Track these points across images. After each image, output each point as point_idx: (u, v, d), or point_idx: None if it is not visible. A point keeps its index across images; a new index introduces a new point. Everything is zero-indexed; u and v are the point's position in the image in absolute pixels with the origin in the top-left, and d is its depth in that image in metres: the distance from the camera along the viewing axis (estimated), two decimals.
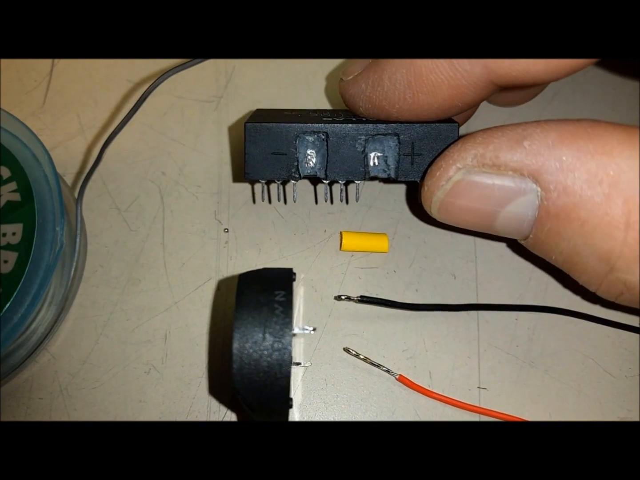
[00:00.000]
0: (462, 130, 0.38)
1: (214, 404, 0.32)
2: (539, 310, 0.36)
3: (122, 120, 0.30)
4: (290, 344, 0.26)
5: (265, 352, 0.26)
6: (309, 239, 0.36)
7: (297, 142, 0.32)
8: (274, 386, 0.26)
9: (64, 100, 0.40)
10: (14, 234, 0.29)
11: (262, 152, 0.32)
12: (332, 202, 0.37)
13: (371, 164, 0.33)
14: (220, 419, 0.32)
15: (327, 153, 0.32)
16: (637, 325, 0.35)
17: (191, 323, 0.34)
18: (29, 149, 0.31)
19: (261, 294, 0.27)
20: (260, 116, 0.33)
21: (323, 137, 0.32)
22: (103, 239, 0.35)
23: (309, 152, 0.32)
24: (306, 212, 0.37)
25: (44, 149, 0.31)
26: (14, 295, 0.28)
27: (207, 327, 0.34)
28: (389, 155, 0.33)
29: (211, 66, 0.40)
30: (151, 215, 0.36)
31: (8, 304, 0.28)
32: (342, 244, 0.35)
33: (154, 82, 0.30)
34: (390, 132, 0.32)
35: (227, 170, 0.38)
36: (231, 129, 0.39)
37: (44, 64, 0.41)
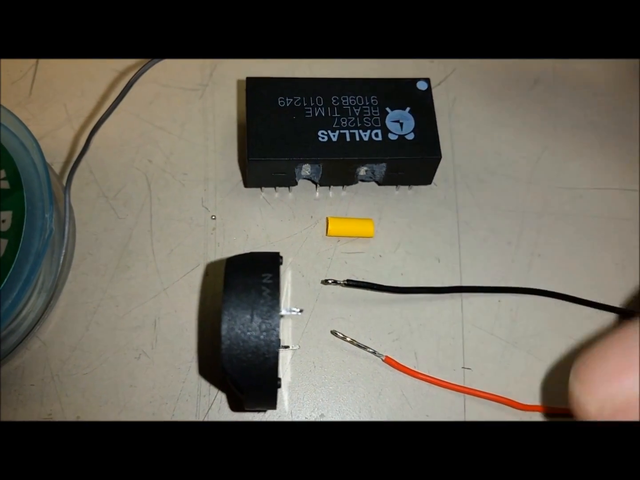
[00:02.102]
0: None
1: (204, 386, 0.33)
2: (522, 292, 0.36)
3: (107, 109, 0.31)
4: (278, 324, 0.27)
5: (254, 333, 0.26)
6: (295, 225, 0.37)
7: (295, 169, 0.35)
8: (262, 366, 0.27)
9: (51, 90, 0.40)
10: (3, 221, 0.29)
11: (263, 173, 0.35)
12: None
13: (360, 174, 0.36)
14: (210, 402, 0.33)
15: (322, 171, 0.35)
16: (617, 306, 0.36)
17: (180, 309, 0.34)
18: (17, 138, 0.31)
19: (249, 277, 0.28)
20: (261, 139, 0.34)
21: (319, 165, 0.35)
22: (91, 227, 0.35)
23: (305, 166, 0.35)
24: (292, 198, 0.37)
25: (32, 137, 0.31)
26: (4, 282, 0.28)
27: (196, 313, 0.34)
28: (376, 170, 0.36)
29: None
30: (139, 203, 0.37)
31: None
32: (329, 229, 0.36)
33: (139, 70, 0.30)
34: (380, 159, 0.35)
35: (213, 158, 0.38)
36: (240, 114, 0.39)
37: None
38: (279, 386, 0.27)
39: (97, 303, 0.34)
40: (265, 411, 0.32)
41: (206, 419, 0.32)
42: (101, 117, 0.31)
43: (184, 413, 0.32)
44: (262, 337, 0.27)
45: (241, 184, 0.38)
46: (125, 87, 0.30)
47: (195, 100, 0.40)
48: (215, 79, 0.40)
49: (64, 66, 0.40)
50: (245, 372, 0.27)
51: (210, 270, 0.35)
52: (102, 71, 0.40)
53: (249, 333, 0.27)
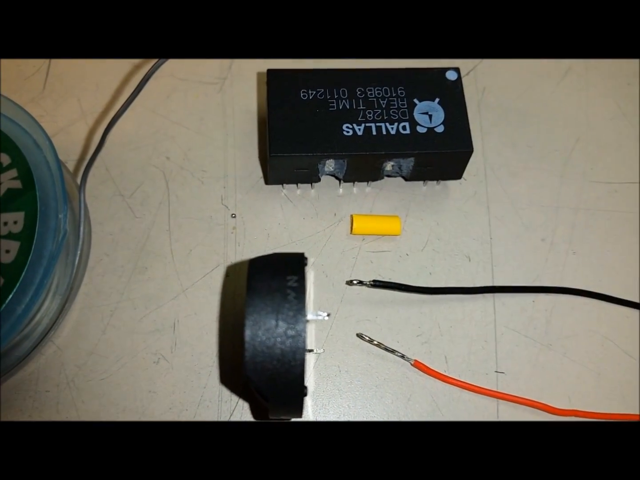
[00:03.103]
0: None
1: (226, 393, 0.31)
2: (557, 291, 0.35)
3: (123, 104, 0.29)
4: (304, 330, 0.25)
5: (279, 340, 0.25)
6: (318, 223, 0.35)
7: (319, 165, 0.33)
8: (288, 374, 0.25)
9: (64, 85, 0.38)
10: (15, 222, 0.28)
11: (285, 169, 0.34)
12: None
13: (386, 169, 0.34)
14: (232, 409, 0.31)
15: (346, 167, 0.34)
16: None
17: (200, 311, 0.33)
18: (29, 135, 0.30)
19: (273, 280, 0.26)
20: (283, 133, 0.33)
21: (343, 161, 0.33)
22: (107, 227, 0.34)
23: (328, 161, 0.33)
24: (315, 195, 0.36)
25: (44, 134, 0.30)
26: (16, 286, 0.27)
27: (217, 315, 0.33)
28: (403, 165, 0.34)
29: None
30: (156, 202, 0.35)
31: (11, 295, 0.27)
32: (353, 227, 0.34)
33: (155, 64, 0.29)
34: (408, 154, 0.33)
35: (233, 154, 0.37)
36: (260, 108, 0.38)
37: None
38: (306, 394, 0.26)
39: (114, 306, 0.33)
40: (289, 419, 0.31)
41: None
42: (116, 113, 0.30)
43: (204, 420, 0.31)
44: (287, 343, 0.25)
45: (262, 180, 0.36)
46: (141, 81, 0.29)
47: (214, 94, 0.38)
48: (235, 72, 0.39)
49: (78, 61, 0.39)
50: (270, 381, 0.25)
51: (231, 271, 0.34)
52: (117, 65, 0.39)
53: (273, 339, 0.25)
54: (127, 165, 0.36)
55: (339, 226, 0.35)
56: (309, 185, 0.36)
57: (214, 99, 0.38)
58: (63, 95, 0.38)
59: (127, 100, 0.29)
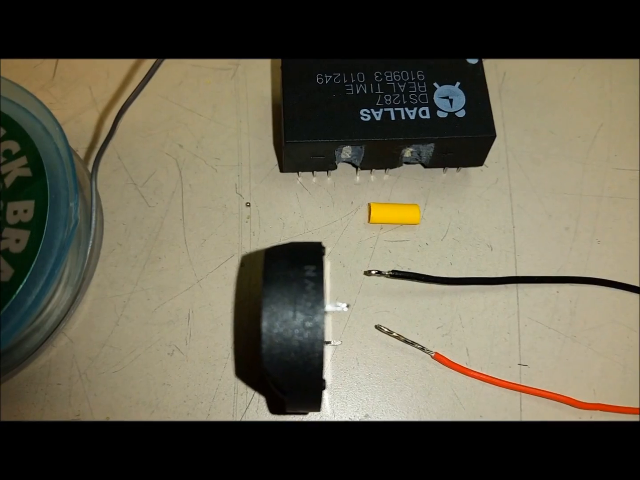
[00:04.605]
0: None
1: (241, 385, 0.31)
2: (581, 281, 0.34)
3: (134, 91, 0.29)
4: (323, 322, 0.24)
5: (297, 331, 0.24)
6: (335, 212, 0.34)
7: (335, 151, 0.32)
8: (306, 367, 0.24)
9: (75, 72, 0.38)
10: (25, 211, 0.27)
11: (301, 156, 0.33)
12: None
13: (405, 155, 0.33)
14: (247, 402, 0.31)
15: (364, 153, 0.33)
16: None
17: (215, 302, 0.32)
18: (39, 122, 0.29)
19: (290, 270, 0.25)
20: (298, 119, 0.32)
21: (361, 147, 0.32)
22: (120, 216, 0.34)
23: (345, 148, 0.32)
24: (331, 183, 0.35)
25: (54, 120, 0.29)
26: (27, 276, 0.26)
27: (232, 306, 0.32)
28: (423, 151, 0.33)
29: None
30: (169, 190, 0.34)
31: (21, 285, 0.26)
32: (371, 216, 0.33)
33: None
34: (428, 139, 0.32)
35: (247, 141, 0.36)
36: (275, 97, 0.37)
37: None
38: (324, 387, 0.25)
39: (127, 296, 0.32)
40: (307, 413, 0.30)
41: (244, 419, 0.30)
42: (127, 100, 0.29)
43: (220, 413, 0.30)
44: (305, 335, 0.24)
45: (277, 168, 0.35)
46: (152, 68, 0.28)
47: (227, 80, 0.37)
48: (247, 58, 0.38)
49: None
50: (288, 373, 0.24)
51: (246, 260, 0.33)
52: None
53: (291, 331, 0.24)
54: (140, 153, 0.35)
55: (356, 215, 0.34)
56: (325, 173, 0.35)
57: (227, 86, 0.37)
58: (73, 82, 0.37)
59: (137, 87, 0.28)
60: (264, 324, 0.24)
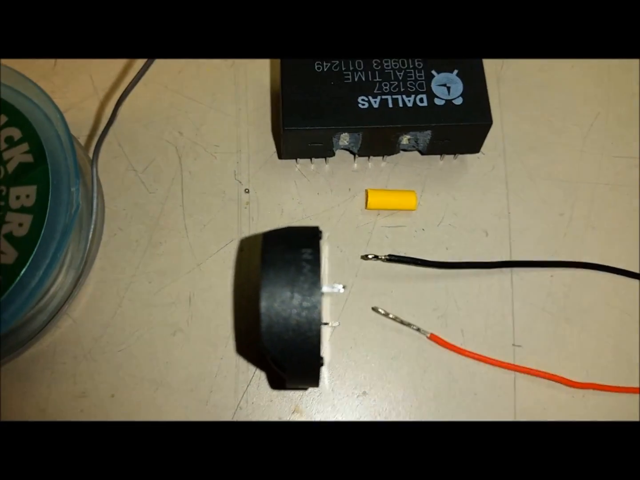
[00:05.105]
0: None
1: (242, 364, 0.32)
2: (575, 266, 0.34)
3: (133, 79, 0.29)
4: (319, 302, 0.25)
5: (295, 311, 0.25)
6: (332, 198, 0.35)
7: (333, 138, 0.33)
8: (304, 344, 0.25)
9: (76, 61, 0.38)
10: (27, 196, 0.28)
11: (299, 143, 0.33)
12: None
13: (402, 142, 0.34)
14: (249, 379, 0.31)
15: (361, 140, 0.33)
16: None
17: (215, 285, 0.33)
18: (40, 109, 0.30)
19: (287, 252, 0.26)
20: (296, 106, 0.32)
21: (358, 134, 0.33)
22: (121, 202, 0.34)
23: (343, 135, 0.33)
24: (329, 170, 0.36)
25: (55, 107, 0.29)
26: (30, 259, 0.27)
27: (232, 289, 0.33)
28: (420, 138, 0.34)
29: None
30: (169, 177, 0.35)
31: (25, 268, 0.27)
32: (368, 202, 0.34)
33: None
34: (425, 126, 0.32)
35: (246, 129, 0.36)
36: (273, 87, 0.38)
37: None
38: (322, 364, 0.26)
39: (129, 280, 0.33)
40: (306, 389, 0.31)
41: (245, 396, 0.31)
42: (127, 88, 0.29)
43: (222, 390, 0.31)
44: (303, 314, 0.25)
45: (275, 155, 0.36)
46: (148, 60, 0.28)
47: (226, 68, 0.38)
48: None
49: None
50: (287, 351, 0.25)
51: (245, 245, 0.34)
52: None
53: (289, 311, 0.25)
54: (140, 140, 0.36)
55: (353, 201, 0.35)
56: (323, 160, 0.35)
57: (227, 74, 0.38)
58: (74, 71, 0.38)
59: (136, 75, 0.29)
60: (263, 304, 0.25)
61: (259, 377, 0.31)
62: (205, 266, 0.33)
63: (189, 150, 0.36)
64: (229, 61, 0.38)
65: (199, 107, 0.37)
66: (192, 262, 0.33)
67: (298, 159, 0.35)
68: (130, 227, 0.34)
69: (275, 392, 0.31)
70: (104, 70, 0.38)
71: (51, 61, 0.38)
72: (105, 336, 0.32)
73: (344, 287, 0.26)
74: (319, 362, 0.25)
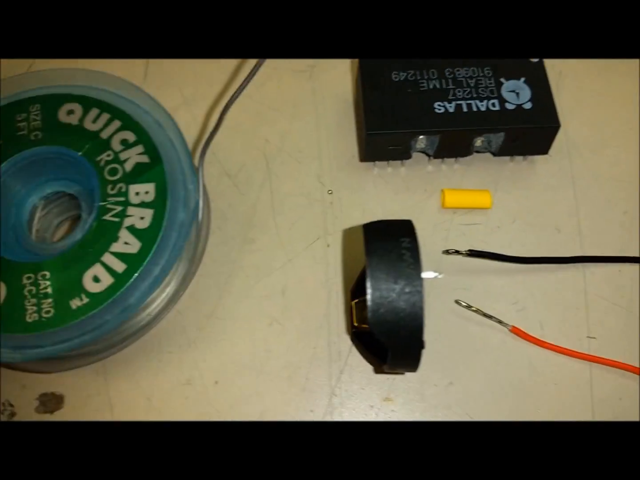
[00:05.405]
0: None
1: (335, 352, 0.34)
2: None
3: (236, 90, 0.32)
4: (421, 285, 0.27)
5: (398, 296, 0.27)
6: (410, 198, 0.37)
7: (411, 141, 0.35)
8: (408, 327, 0.27)
9: (164, 74, 0.41)
10: (147, 192, 0.30)
11: (380, 146, 0.36)
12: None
13: (476, 145, 0.36)
14: (341, 367, 0.33)
15: (438, 143, 0.35)
16: None
17: (305, 278, 0.35)
18: (150, 115, 0.32)
19: (387, 242, 0.28)
20: (378, 113, 0.35)
21: (435, 137, 0.35)
22: (218, 203, 0.37)
23: (420, 138, 0.35)
24: (405, 172, 0.38)
25: (167, 113, 0.32)
26: (153, 248, 0.29)
27: (321, 281, 0.35)
28: (493, 140, 0.36)
29: None
30: (259, 180, 0.38)
31: (149, 256, 0.29)
32: (445, 201, 0.36)
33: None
34: (499, 129, 0.35)
35: (325, 135, 0.39)
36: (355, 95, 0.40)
37: None
38: (423, 347, 0.28)
39: (228, 274, 0.35)
40: (403, 373, 0.33)
41: (339, 384, 0.33)
42: (231, 98, 0.32)
43: (317, 377, 0.33)
44: (406, 298, 0.27)
45: (354, 159, 0.38)
46: (252, 70, 0.31)
47: (304, 81, 0.41)
48: (322, 60, 0.41)
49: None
50: (392, 333, 0.27)
51: (331, 241, 0.36)
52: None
53: (394, 295, 0.27)
54: (231, 148, 0.39)
55: (430, 200, 0.37)
56: (399, 162, 0.38)
57: (305, 86, 0.41)
58: (164, 84, 0.41)
59: (240, 86, 0.32)
60: (369, 290, 0.27)
61: (351, 366, 0.34)
62: (295, 261, 0.36)
63: (275, 155, 0.38)
64: (307, 74, 0.41)
65: (282, 117, 0.40)
66: (283, 258, 0.36)
67: (376, 162, 0.38)
68: (227, 226, 0.36)
69: (366, 380, 0.33)
70: (192, 83, 0.41)
71: (141, 74, 0.41)
72: (209, 326, 0.34)
73: (440, 275, 0.28)
74: (421, 344, 0.28)
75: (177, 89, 0.41)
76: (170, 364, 0.33)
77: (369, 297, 0.27)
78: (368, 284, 0.27)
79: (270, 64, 0.41)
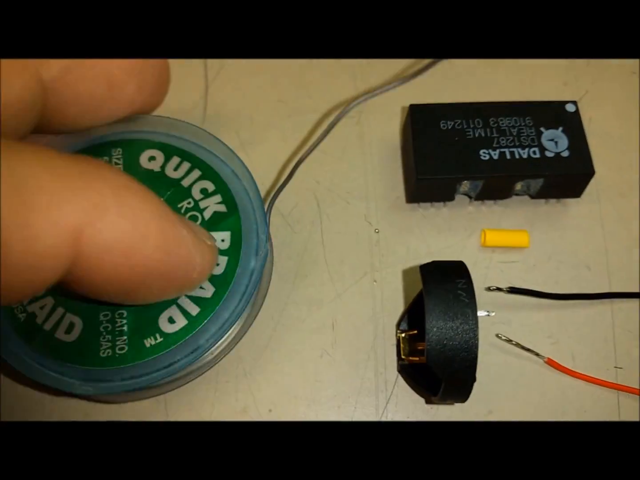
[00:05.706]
0: None
1: (381, 383, 0.36)
2: None
3: (315, 140, 0.33)
4: (476, 324, 0.30)
5: (455, 332, 0.30)
6: (451, 237, 0.40)
7: (457, 185, 0.39)
8: (463, 361, 0.30)
9: (221, 119, 0.44)
10: (222, 240, 0.32)
11: (428, 189, 0.39)
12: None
13: (516, 189, 0.40)
14: (387, 397, 0.36)
15: (481, 187, 0.39)
16: None
17: (354, 313, 0.38)
18: (227, 165, 0.34)
19: (444, 283, 0.31)
20: (427, 159, 0.38)
21: (479, 182, 0.38)
22: (273, 241, 0.39)
23: (465, 182, 0.38)
24: (447, 212, 0.41)
25: (242, 164, 0.34)
26: (225, 294, 0.31)
27: (369, 316, 0.38)
28: (532, 185, 0.39)
29: (349, 84, 0.45)
30: (310, 219, 0.41)
31: (221, 301, 0.31)
32: (486, 239, 0.39)
33: (344, 109, 0.33)
34: (539, 175, 0.38)
35: (372, 177, 0.42)
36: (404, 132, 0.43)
37: (198, 85, 0.45)
38: (475, 380, 0.30)
39: (282, 307, 0.38)
40: (452, 404, 0.35)
41: (385, 413, 0.36)
42: (307, 150, 0.33)
43: (365, 407, 0.36)
44: (463, 335, 0.30)
45: (399, 200, 0.41)
46: (331, 123, 0.32)
47: (352, 126, 0.44)
48: (368, 107, 0.44)
49: (232, 96, 0.45)
50: (447, 367, 0.30)
51: (378, 278, 0.39)
52: (266, 101, 0.44)
53: (451, 333, 0.30)
54: (285, 188, 0.41)
55: (470, 239, 0.40)
56: (442, 203, 0.41)
57: (353, 131, 0.44)
58: (221, 128, 0.44)
59: (317, 138, 0.33)
60: (428, 326, 0.30)
61: (397, 395, 0.36)
62: (344, 296, 0.38)
63: (325, 196, 0.41)
64: (354, 119, 0.44)
65: (332, 160, 0.43)
66: (333, 293, 0.38)
67: (420, 203, 0.41)
68: (281, 262, 0.39)
69: (411, 410, 0.36)
70: (248, 128, 0.44)
71: (199, 119, 0.44)
72: (263, 357, 0.37)
73: (494, 313, 0.31)
74: (473, 378, 0.30)
75: (234, 132, 0.44)
76: (227, 393, 0.36)
77: (428, 337, 0.30)
78: (427, 322, 0.30)
79: (319, 108, 0.44)
